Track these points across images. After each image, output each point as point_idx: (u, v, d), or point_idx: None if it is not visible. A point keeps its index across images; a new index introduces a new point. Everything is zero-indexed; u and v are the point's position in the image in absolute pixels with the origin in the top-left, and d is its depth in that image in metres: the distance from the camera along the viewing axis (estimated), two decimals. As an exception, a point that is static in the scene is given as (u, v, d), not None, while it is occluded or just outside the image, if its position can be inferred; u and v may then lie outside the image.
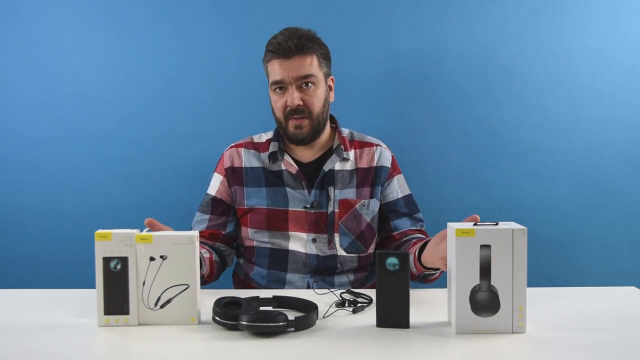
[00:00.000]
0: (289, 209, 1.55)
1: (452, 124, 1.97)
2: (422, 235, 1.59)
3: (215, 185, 1.61)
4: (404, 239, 1.57)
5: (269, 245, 1.55)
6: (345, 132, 1.64)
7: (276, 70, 1.50)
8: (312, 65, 1.50)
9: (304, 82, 1.49)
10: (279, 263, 1.55)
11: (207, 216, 1.59)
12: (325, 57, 1.55)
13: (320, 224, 1.54)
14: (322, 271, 1.55)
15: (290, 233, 1.54)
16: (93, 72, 1.95)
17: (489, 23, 1.94)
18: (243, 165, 1.59)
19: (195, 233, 1.12)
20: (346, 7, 1.94)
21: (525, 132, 1.96)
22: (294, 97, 1.49)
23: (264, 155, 1.59)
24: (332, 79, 1.60)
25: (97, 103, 1.95)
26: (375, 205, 1.59)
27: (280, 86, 1.51)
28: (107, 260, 1.10)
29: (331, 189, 1.55)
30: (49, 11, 1.93)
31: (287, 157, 1.57)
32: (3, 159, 1.97)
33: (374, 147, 1.63)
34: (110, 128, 1.96)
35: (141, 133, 1.96)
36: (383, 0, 1.94)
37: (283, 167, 1.57)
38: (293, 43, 1.47)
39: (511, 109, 1.96)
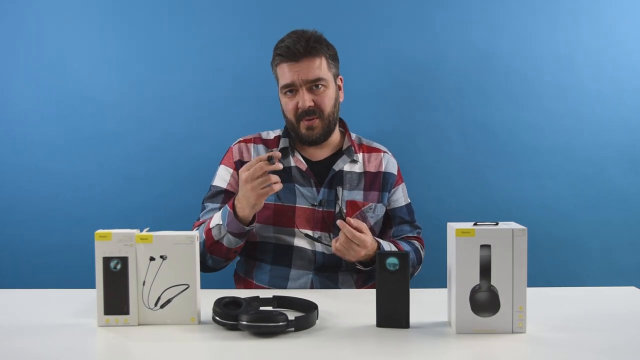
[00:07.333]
0: (297, 205, 1.55)
1: (452, 124, 1.97)
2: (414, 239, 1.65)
3: (225, 177, 1.59)
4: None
5: (273, 241, 1.55)
6: (353, 136, 1.68)
7: (286, 73, 1.51)
8: (321, 67, 1.52)
9: (314, 84, 1.51)
10: (283, 259, 1.55)
11: (218, 205, 1.56)
12: (333, 58, 1.57)
13: (327, 223, 1.55)
14: (327, 269, 1.55)
15: (297, 230, 1.54)
16: (93, 72, 1.95)
17: (488, 23, 1.94)
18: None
19: (195, 233, 1.12)
20: (346, 8, 1.94)
21: (525, 132, 1.96)
22: (305, 99, 1.51)
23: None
24: (340, 79, 1.62)
25: (98, 103, 1.95)
26: (381, 210, 1.62)
27: (291, 89, 1.52)
28: (107, 260, 1.10)
29: (339, 189, 1.56)
30: (50, 11, 1.93)
31: (297, 154, 1.59)
32: (3, 159, 1.96)
33: (381, 154, 1.67)
34: (110, 128, 1.96)
35: (141, 133, 1.96)
36: (383, 1, 1.94)
37: (292, 164, 1.58)
38: (301, 46, 1.49)
39: (511, 109, 1.96)
